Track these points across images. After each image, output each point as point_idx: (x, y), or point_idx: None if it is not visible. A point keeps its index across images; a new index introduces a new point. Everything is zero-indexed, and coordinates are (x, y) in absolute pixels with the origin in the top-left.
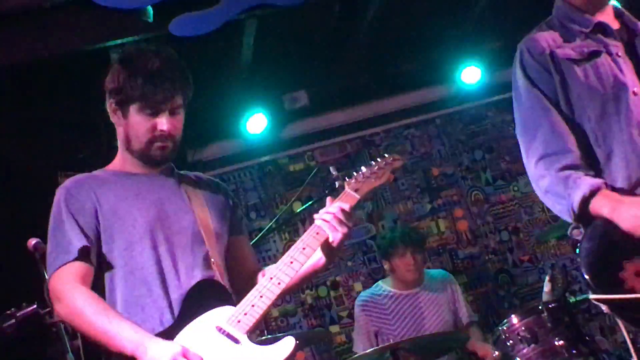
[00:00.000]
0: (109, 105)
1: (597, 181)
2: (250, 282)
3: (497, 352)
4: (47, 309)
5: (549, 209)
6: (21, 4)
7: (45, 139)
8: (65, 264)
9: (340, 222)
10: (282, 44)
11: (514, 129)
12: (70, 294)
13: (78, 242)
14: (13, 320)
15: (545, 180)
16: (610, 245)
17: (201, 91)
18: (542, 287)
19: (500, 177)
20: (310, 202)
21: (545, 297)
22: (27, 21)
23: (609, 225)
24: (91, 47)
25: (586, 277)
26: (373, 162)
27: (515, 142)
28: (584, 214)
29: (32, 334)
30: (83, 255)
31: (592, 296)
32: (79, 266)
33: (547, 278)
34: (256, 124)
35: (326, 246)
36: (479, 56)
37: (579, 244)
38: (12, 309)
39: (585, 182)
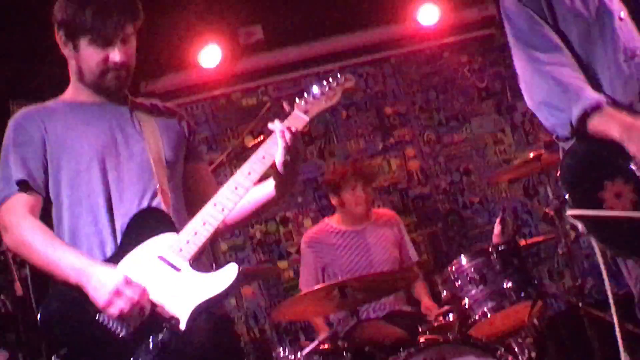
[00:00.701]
0: (59, 38)
1: (599, 97)
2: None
3: (445, 292)
4: None
5: (501, 151)
6: None
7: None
8: (10, 196)
9: (287, 145)
10: None
11: (469, 69)
12: (18, 224)
13: (21, 174)
14: None
15: (542, 90)
16: (594, 163)
17: (155, 21)
18: (492, 229)
19: (454, 118)
20: (260, 137)
21: (495, 239)
22: None
23: (594, 143)
24: None
25: (565, 191)
26: (324, 82)
27: (470, 83)
28: (581, 129)
29: None
30: (26, 187)
31: (569, 212)
32: (26, 197)
33: (497, 220)
34: (210, 56)
35: (275, 173)
36: None
37: (560, 161)
38: None
39: (588, 96)
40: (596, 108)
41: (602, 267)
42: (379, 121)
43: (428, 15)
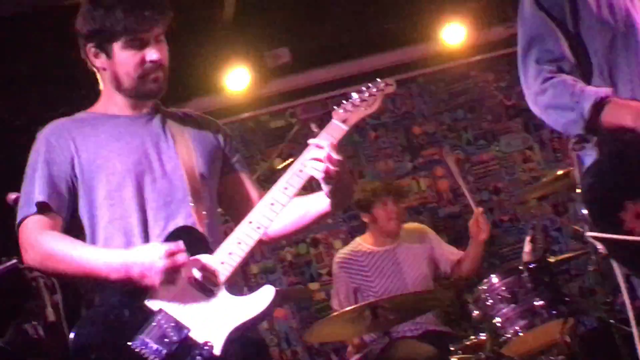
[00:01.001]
0: (88, 50)
1: (606, 89)
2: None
3: (476, 311)
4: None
5: (530, 169)
6: None
7: (25, 93)
8: (29, 216)
9: (334, 162)
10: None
11: (496, 88)
12: (38, 240)
13: (42, 196)
14: None
15: (546, 95)
16: (615, 183)
17: (183, 46)
18: (523, 247)
19: (482, 137)
20: (290, 160)
21: (525, 257)
22: None
23: (615, 161)
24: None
25: (585, 212)
26: (364, 88)
27: (498, 101)
28: (594, 124)
29: (11, 288)
30: (46, 209)
31: (588, 233)
32: (45, 219)
33: (527, 238)
34: (237, 80)
35: (331, 189)
36: (461, 14)
37: (580, 175)
38: None
39: (593, 90)
40: (605, 98)
41: (623, 287)
42: (407, 141)
43: (454, 35)
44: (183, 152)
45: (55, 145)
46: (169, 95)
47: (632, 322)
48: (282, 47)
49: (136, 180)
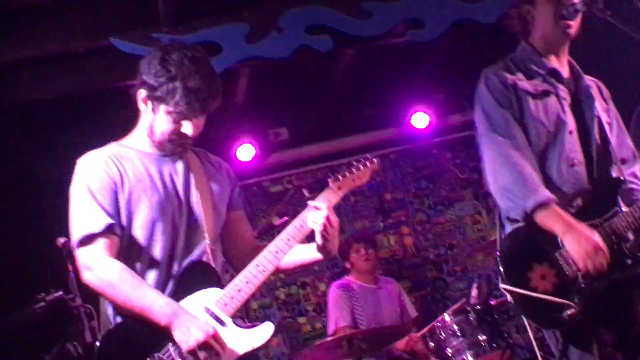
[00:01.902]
0: (139, 93)
1: (549, 195)
2: (249, 255)
3: (432, 343)
4: (71, 295)
5: (478, 230)
6: (61, 46)
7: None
8: (93, 236)
9: (331, 222)
10: (269, 89)
11: (453, 164)
12: (103, 265)
13: (105, 216)
14: (43, 303)
15: (505, 177)
16: (528, 247)
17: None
18: (470, 292)
19: (440, 203)
20: (285, 218)
21: (472, 300)
22: (65, 63)
23: (529, 231)
24: (112, 87)
25: (500, 268)
26: (354, 163)
27: (453, 175)
28: (531, 218)
29: (57, 314)
30: (110, 229)
31: (501, 285)
32: (110, 240)
33: (474, 285)
34: (245, 153)
35: (320, 244)
36: (426, 105)
37: (499, 239)
38: (42, 294)
39: (540, 192)
40: (546, 204)
41: (530, 333)
42: (380, 205)
43: (420, 121)
44: (203, 192)
45: (99, 175)
46: None
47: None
48: (282, 127)
49: (161, 218)
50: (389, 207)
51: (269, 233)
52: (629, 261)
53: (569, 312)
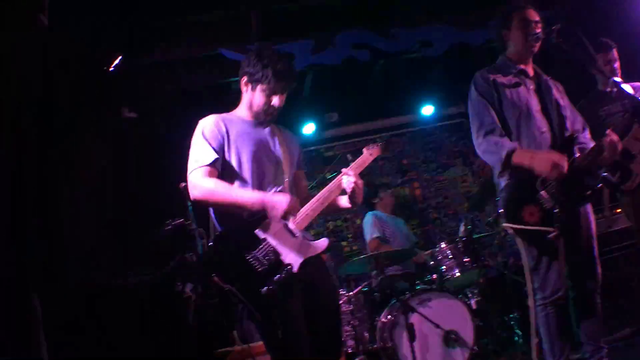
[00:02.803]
0: (242, 78)
1: (515, 144)
2: (304, 201)
3: (432, 262)
4: (189, 221)
5: (466, 186)
6: (186, 53)
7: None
8: (201, 166)
9: (357, 184)
10: (326, 86)
11: (449, 140)
12: (204, 182)
13: (212, 154)
14: (170, 226)
15: (483, 145)
16: (517, 195)
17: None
18: (459, 228)
19: (440, 167)
20: (334, 173)
21: (460, 234)
22: (188, 64)
23: (517, 184)
24: (221, 82)
25: (501, 211)
26: (379, 140)
27: (449, 148)
28: (508, 162)
29: (180, 234)
30: (214, 163)
31: (504, 224)
32: (209, 168)
33: (462, 223)
34: (308, 128)
35: (349, 196)
36: (432, 99)
37: (498, 191)
38: (170, 220)
39: (508, 144)
40: (514, 149)
41: (523, 252)
42: (399, 166)
43: (427, 110)
44: (283, 148)
45: (214, 128)
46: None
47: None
48: (334, 112)
49: (257, 159)
50: (405, 168)
51: (323, 183)
52: (588, 192)
53: (552, 234)
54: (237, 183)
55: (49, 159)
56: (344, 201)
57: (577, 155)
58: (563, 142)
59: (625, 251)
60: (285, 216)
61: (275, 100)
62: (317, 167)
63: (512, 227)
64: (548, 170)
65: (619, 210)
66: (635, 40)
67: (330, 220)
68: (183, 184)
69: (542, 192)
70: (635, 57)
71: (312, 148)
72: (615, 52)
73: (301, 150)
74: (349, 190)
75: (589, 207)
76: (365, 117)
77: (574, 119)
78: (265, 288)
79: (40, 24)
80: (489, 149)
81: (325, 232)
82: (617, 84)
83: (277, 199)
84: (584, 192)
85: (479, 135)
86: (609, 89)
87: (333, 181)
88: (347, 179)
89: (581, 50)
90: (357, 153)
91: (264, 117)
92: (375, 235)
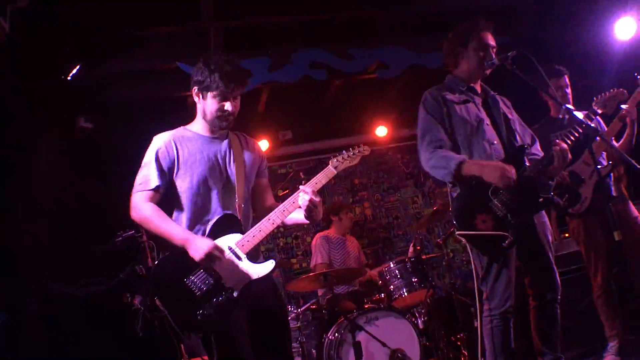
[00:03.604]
0: (193, 89)
1: (464, 156)
2: (268, 210)
3: (380, 281)
4: (140, 233)
5: (416, 208)
6: (145, 65)
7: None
8: (142, 191)
9: (313, 202)
10: (281, 102)
11: (401, 162)
12: (143, 207)
13: (156, 180)
14: (121, 238)
15: (432, 160)
16: (469, 204)
17: (235, 124)
18: (408, 248)
19: (391, 188)
20: (287, 190)
21: (409, 254)
22: (146, 77)
23: (468, 193)
24: (177, 95)
25: (454, 221)
26: (350, 149)
27: (401, 170)
28: (458, 173)
29: (130, 246)
30: (157, 189)
31: (457, 232)
32: (151, 193)
33: (411, 244)
34: (262, 145)
35: (306, 215)
36: (386, 121)
37: (451, 202)
38: (121, 232)
39: (457, 156)
40: (463, 160)
41: (474, 263)
42: (351, 186)
43: (381, 131)
44: (238, 166)
45: (165, 148)
46: None
47: (475, 284)
48: (288, 130)
49: (208, 179)
50: (356, 188)
51: (277, 200)
52: (541, 199)
53: (507, 241)
54: (175, 214)
55: (3, 166)
56: (301, 217)
57: (528, 164)
58: (514, 152)
59: (573, 275)
60: (205, 262)
61: (228, 105)
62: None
63: (465, 234)
64: (497, 179)
65: (567, 235)
66: (586, 66)
67: (280, 237)
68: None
69: (495, 201)
70: (585, 83)
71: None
72: (566, 79)
73: (264, 159)
74: (304, 207)
75: (545, 217)
76: (319, 136)
77: (523, 133)
78: (201, 312)
79: (1, 30)
80: (437, 163)
81: (275, 248)
82: (569, 111)
83: (198, 244)
84: (536, 200)
85: (427, 151)
86: (560, 116)
87: (287, 200)
88: (303, 196)
89: (534, 76)
90: (310, 171)
91: (219, 125)
92: (319, 261)
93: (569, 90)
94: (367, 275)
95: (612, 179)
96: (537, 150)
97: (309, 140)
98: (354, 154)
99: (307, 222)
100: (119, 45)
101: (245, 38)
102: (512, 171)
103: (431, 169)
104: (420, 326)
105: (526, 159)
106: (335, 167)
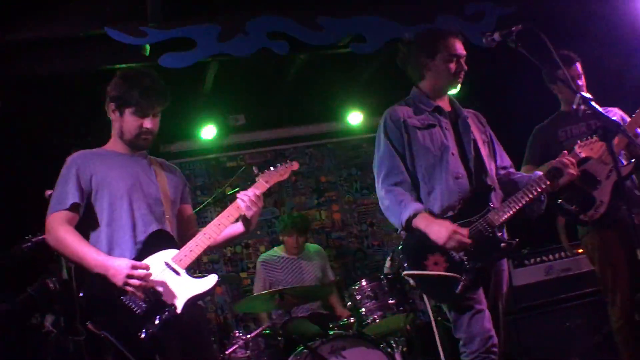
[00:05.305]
0: (109, 106)
1: (419, 206)
2: (191, 236)
3: (349, 303)
4: None
5: None
6: (64, 31)
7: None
8: (59, 210)
9: (253, 202)
10: (232, 80)
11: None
12: (58, 229)
13: (73, 198)
14: (29, 243)
15: (387, 201)
16: (421, 244)
17: (174, 105)
18: (385, 263)
19: (366, 188)
20: (237, 189)
21: (385, 270)
22: (66, 45)
23: (417, 237)
24: (104, 68)
25: (404, 262)
26: (279, 165)
27: None
28: (408, 226)
29: (40, 254)
30: (73, 208)
31: (404, 272)
32: (69, 214)
33: (388, 258)
34: (208, 132)
35: (244, 218)
36: (361, 106)
37: (402, 241)
38: (29, 236)
39: (412, 206)
40: (416, 213)
41: (428, 307)
42: (316, 185)
43: (355, 118)
44: (161, 183)
45: (81, 166)
46: (163, 136)
47: (432, 321)
48: (240, 114)
49: (130, 196)
50: (323, 187)
51: (223, 200)
52: (503, 244)
53: (460, 285)
54: (94, 235)
55: None
56: (236, 227)
57: (492, 205)
58: (479, 190)
59: (586, 299)
60: (126, 284)
61: (148, 123)
62: (215, 179)
63: (414, 274)
64: (443, 240)
65: (580, 251)
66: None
67: (228, 247)
68: (49, 192)
69: None
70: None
71: (211, 156)
72: (579, 67)
73: (186, 184)
74: (244, 206)
75: (505, 265)
76: (279, 122)
77: (501, 154)
78: (144, 332)
79: None
80: (392, 207)
81: (221, 260)
82: (585, 100)
83: (117, 266)
84: (498, 245)
85: (382, 188)
86: (575, 106)
87: (223, 212)
88: (242, 197)
89: (544, 56)
90: (267, 165)
91: (137, 145)
92: (255, 291)
93: (581, 81)
94: (338, 314)
95: (636, 181)
96: (520, 173)
97: (265, 128)
98: (283, 169)
99: (243, 230)
100: (32, 6)
101: (189, 1)
102: (464, 233)
103: (385, 210)
104: (398, 359)
105: (493, 200)
106: (266, 182)
